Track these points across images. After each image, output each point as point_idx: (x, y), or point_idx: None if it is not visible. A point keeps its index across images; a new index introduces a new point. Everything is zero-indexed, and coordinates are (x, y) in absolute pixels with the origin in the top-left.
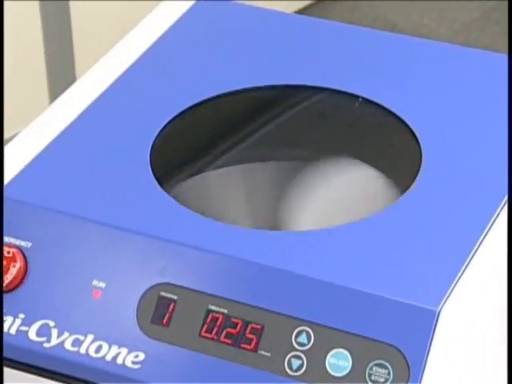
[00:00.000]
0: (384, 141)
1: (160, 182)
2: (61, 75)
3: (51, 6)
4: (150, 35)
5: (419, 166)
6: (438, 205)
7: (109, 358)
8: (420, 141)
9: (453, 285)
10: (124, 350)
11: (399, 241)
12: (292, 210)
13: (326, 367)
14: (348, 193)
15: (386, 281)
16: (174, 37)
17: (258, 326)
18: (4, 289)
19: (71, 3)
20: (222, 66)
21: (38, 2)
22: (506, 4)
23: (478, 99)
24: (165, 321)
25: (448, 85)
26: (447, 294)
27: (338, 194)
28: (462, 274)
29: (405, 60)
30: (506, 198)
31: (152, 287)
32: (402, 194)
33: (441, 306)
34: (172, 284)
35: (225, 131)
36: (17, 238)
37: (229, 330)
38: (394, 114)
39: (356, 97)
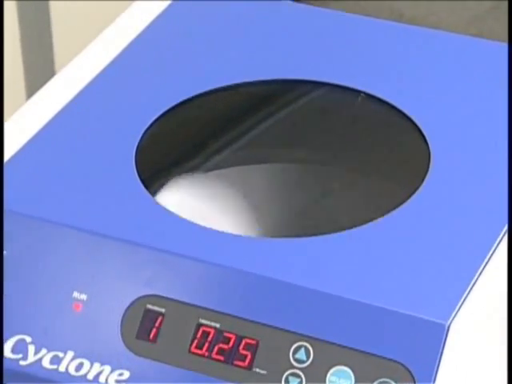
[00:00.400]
0: (389, 140)
1: (146, 185)
2: (39, 71)
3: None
4: (126, 35)
5: (427, 168)
6: (448, 210)
7: (91, 376)
8: (428, 140)
9: (463, 297)
10: (107, 368)
11: (404, 249)
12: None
13: None
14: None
15: (390, 292)
16: (153, 35)
17: (253, 342)
18: None
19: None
20: (211, 61)
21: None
22: None
23: (490, 93)
24: (151, 336)
25: (458, 79)
26: (457, 307)
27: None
28: (473, 284)
29: (412, 52)
30: None
31: (137, 299)
32: (409, 197)
33: (450, 319)
34: (159, 296)
35: (216, 130)
36: None
37: (221, 345)
38: (399, 111)
39: (358, 92)
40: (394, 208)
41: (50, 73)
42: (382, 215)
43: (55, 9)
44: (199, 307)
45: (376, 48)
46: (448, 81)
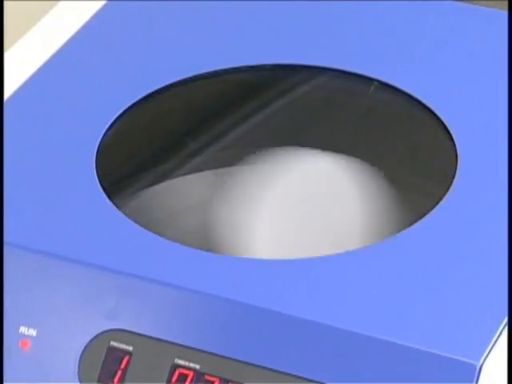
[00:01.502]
0: (408, 138)
1: (108, 195)
2: None
3: None
4: (59, 34)
5: (453, 172)
6: (478, 227)
7: None
8: (454, 137)
9: (497, 333)
10: None
11: (425, 275)
12: (286, 231)
13: None
14: (358, 208)
15: (411, 327)
16: (96, 32)
17: None
18: None
19: None
20: (185, 48)
21: None
22: None
23: None
24: (116, 380)
25: (486, 61)
26: (490, 345)
27: (345, 210)
28: (509, 319)
29: (433, 30)
30: None
31: (99, 335)
32: (433, 206)
33: (483, 359)
34: (126, 330)
35: (193, 126)
36: None
37: None
38: (420, 103)
39: (370, 80)
40: (413, 223)
41: None
42: (399, 231)
43: None
44: (175, 344)
45: (389, 28)
46: (469, 63)
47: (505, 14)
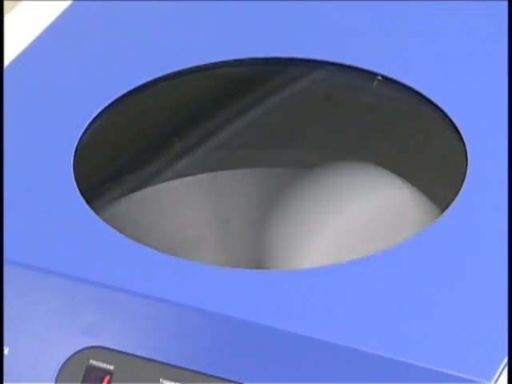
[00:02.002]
0: (413, 137)
1: (87, 200)
2: None
3: None
4: (24, 35)
5: (463, 175)
6: (490, 236)
7: None
8: (464, 137)
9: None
10: None
11: (431, 288)
12: (278, 240)
13: None
14: (360, 214)
15: (416, 344)
16: (69, 30)
17: None
18: None
19: None
20: (169, 42)
21: None
22: None
23: None
24: None
25: (493, 55)
26: (502, 364)
27: (343, 217)
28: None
29: (435, 23)
30: None
31: (77, 353)
32: (441, 211)
33: (494, 379)
34: (106, 348)
35: (181, 125)
36: None
37: None
38: (426, 99)
39: (373, 74)
40: (421, 229)
41: None
42: (405, 239)
43: None
44: (159, 363)
45: (392, 21)
46: (477, 59)
47: (505, 3)
